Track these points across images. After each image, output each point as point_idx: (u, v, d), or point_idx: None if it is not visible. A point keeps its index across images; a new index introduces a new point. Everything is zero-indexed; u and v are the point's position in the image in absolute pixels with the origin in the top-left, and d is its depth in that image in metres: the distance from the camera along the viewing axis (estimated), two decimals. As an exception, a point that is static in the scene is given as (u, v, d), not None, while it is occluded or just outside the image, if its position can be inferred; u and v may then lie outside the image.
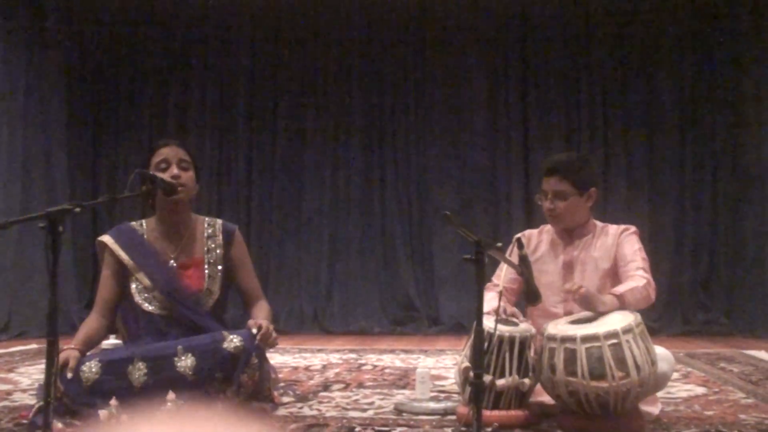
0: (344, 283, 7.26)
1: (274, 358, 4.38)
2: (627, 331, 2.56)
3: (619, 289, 2.78)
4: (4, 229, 2.14)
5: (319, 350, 5.37)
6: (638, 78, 7.15)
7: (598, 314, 2.71)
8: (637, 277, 2.84)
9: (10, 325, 6.38)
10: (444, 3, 7.35)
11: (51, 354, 2.06)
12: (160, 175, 2.93)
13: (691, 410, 3.01)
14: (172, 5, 7.57)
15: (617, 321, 2.61)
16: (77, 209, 2.19)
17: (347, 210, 7.36)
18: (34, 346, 5.50)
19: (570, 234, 3.07)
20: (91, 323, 2.97)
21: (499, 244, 2.41)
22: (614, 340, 2.54)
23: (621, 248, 2.97)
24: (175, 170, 2.97)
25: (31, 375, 4.04)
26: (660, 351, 2.74)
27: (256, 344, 2.77)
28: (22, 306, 6.43)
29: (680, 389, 3.55)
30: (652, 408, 2.83)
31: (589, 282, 2.93)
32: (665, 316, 6.72)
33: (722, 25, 7.05)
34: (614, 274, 2.97)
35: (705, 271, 6.96)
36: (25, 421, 2.71)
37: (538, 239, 3.14)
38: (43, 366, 2.24)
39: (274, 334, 2.84)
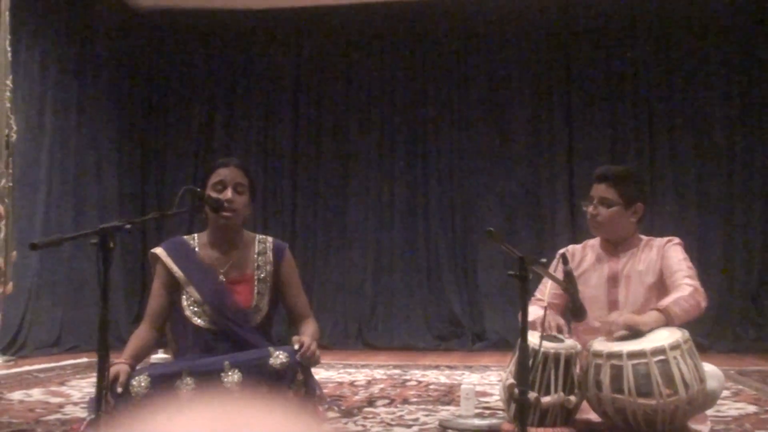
0: (388, 298, 7.27)
1: (319, 373, 4.39)
2: (674, 347, 2.53)
3: (663, 302, 2.75)
4: (58, 245, 2.20)
5: (364, 365, 5.39)
6: (685, 91, 7.07)
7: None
8: (683, 286, 2.81)
9: (62, 340, 6.51)
10: (487, 18, 7.36)
11: (102, 368, 2.10)
12: (214, 195, 2.97)
13: (742, 429, 2.95)
14: (218, 27, 7.71)
15: (664, 337, 2.58)
16: (128, 226, 2.24)
17: (391, 226, 7.38)
18: (85, 359, 5.61)
19: (615, 247, 3.05)
20: (140, 335, 3.00)
21: (543, 260, 2.41)
22: (661, 357, 2.51)
23: (666, 260, 2.94)
24: (229, 194, 2.99)
25: (83, 388, 4.13)
26: (709, 368, 2.70)
27: (299, 360, 2.79)
28: (74, 320, 6.57)
29: (731, 407, 3.48)
30: (701, 426, 2.78)
31: (634, 296, 2.91)
32: (715, 333, 6.59)
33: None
34: (660, 287, 2.94)
35: (756, 286, 6.82)
36: (76, 434, 2.76)
37: (582, 254, 3.12)
38: (94, 379, 2.29)
39: (315, 351, 2.82)
